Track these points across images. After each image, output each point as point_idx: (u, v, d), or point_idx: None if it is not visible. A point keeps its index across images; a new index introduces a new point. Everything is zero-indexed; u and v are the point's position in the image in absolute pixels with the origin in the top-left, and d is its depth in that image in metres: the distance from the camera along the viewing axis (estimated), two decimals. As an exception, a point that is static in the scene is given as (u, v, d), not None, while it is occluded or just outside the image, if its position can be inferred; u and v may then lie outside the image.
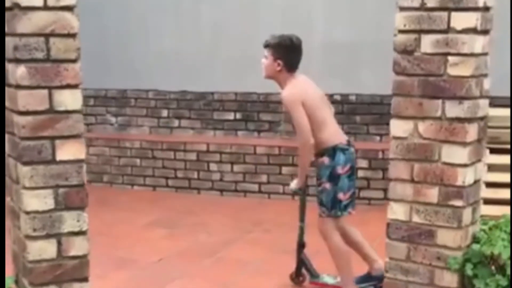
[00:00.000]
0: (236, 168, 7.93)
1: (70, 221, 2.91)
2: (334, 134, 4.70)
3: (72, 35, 2.78)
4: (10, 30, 2.74)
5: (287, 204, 7.44)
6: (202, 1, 8.26)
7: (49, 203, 2.86)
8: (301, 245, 5.06)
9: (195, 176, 8.09)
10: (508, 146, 6.49)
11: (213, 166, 8.01)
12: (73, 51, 2.79)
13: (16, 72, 2.73)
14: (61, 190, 2.87)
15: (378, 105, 7.68)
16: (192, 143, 8.12)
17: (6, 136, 2.98)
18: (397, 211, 3.34)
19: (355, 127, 7.91)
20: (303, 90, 4.68)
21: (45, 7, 2.72)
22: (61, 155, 2.83)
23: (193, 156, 8.08)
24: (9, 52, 2.77)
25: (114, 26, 8.42)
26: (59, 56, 2.77)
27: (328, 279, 5.02)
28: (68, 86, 2.79)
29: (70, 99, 2.80)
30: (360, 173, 7.46)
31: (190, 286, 5.16)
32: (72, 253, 2.95)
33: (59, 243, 2.91)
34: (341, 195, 4.63)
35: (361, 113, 7.87)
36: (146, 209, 7.40)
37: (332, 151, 4.62)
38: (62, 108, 2.80)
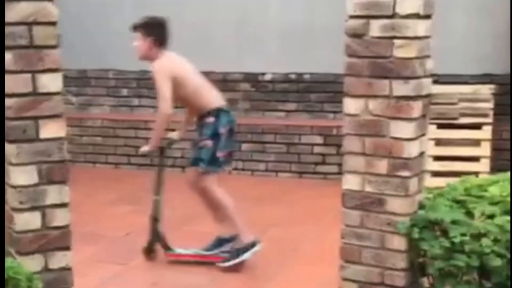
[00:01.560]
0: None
1: (53, 194, 3.15)
2: (216, 97, 5.18)
3: (53, 23, 3.02)
4: (-3, 19, 2.98)
5: (246, 180, 7.77)
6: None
7: (34, 178, 3.10)
8: (155, 219, 5.28)
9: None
10: (454, 122, 6.86)
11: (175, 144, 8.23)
12: (53, 38, 3.04)
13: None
14: (44, 166, 3.11)
15: (332, 84, 8.00)
16: (153, 122, 8.31)
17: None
18: (351, 182, 3.65)
19: (310, 105, 8.24)
20: (173, 63, 5.11)
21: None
22: (44, 133, 3.07)
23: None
24: (-5, 40, 3.01)
25: (74, 5, 8.54)
26: (41, 42, 3.01)
27: (181, 250, 5.33)
28: (50, 70, 3.04)
29: (51, 82, 3.05)
30: (316, 149, 7.81)
31: (158, 258, 5.42)
32: (55, 223, 3.18)
33: (43, 215, 3.15)
34: (219, 153, 5.08)
35: (316, 91, 8.19)
36: (109, 186, 7.62)
37: (217, 112, 5.09)
38: (44, 90, 3.04)
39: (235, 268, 5.14)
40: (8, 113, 3.00)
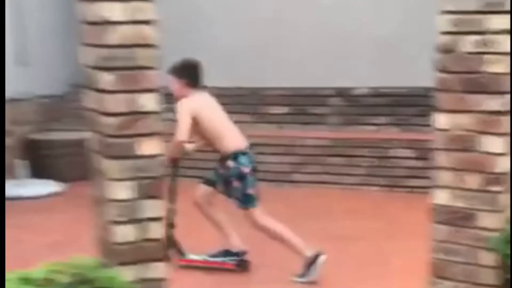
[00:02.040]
0: (286, 159, 8.27)
1: (149, 208, 3.29)
2: (234, 141, 5.46)
3: (152, 46, 3.17)
4: (98, 42, 3.14)
5: (336, 194, 7.79)
6: None
7: (131, 193, 3.25)
8: (170, 226, 5.48)
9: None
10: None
11: (264, 158, 8.34)
12: (152, 59, 3.18)
13: (104, 79, 3.13)
14: (141, 182, 3.25)
15: (424, 97, 7.93)
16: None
17: (91, 134, 3.39)
18: (440, 196, 3.66)
19: (401, 119, 8.22)
20: (199, 104, 5.45)
21: (129, 21, 3.12)
22: (141, 150, 3.22)
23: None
24: (97, 61, 3.17)
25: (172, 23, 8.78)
26: (140, 64, 3.17)
27: (193, 256, 5.66)
28: (148, 90, 3.19)
29: (150, 102, 3.20)
30: (407, 163, 7.78)
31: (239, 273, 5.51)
32: (151, 236, 3.32)
33: (140, 228, 3.30)
34: (250, 190, 5.41)
35: (407, 105, 8.16)
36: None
37: (234, 155, 5.40)
38: (143, 109, 3.19)
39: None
40: (109, 131, 3.17)
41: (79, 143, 7.16)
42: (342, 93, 8.45)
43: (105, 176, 3.26)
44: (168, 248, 5.43)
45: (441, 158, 3.65)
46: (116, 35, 3.12)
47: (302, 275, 5.32)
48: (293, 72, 8.52)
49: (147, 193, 3.27)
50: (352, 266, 5.48)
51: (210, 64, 8.77)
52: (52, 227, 6.70)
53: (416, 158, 7.81)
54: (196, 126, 5.36)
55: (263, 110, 8.78)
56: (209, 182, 5.62)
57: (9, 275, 2.96)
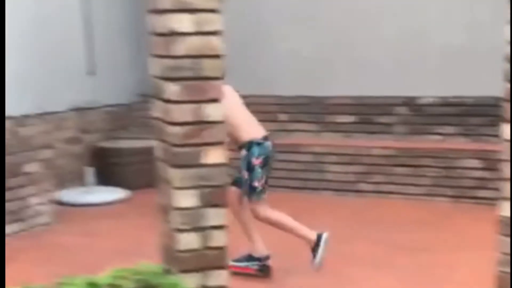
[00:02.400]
0: (351, 168, 8.24)
1: (212, 217, 3.34)
2: (250, 131, 5.47)
3: (218, 56, 3.22)
4: (165, 52, 3.20)
5: (400, 204, 7.74)
6: (323, 4, 8.62)
7: (196, 201, 3.30)
8: None
9: (311, 176, 8.45)
10: None
11: (329, 167, 8.35)
12: (218, 70, 3.23)
13: (171, 89, 3.19)
14: (206, 190, 3.30)
15: (493, 107, 7.81)
16: (308, 145, 8.49)
17: (157, 143, 3.45)
18: (507, 209, 3.59)
19: (468, 129, 8.09)
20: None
21: (196, 33, 3.18)
22: (206, 159, 3.27)
23: (309, 158, 8.45)
24: (165, 72, 3.23)
25: (237, 34, 8.85)
26: (206, 74, 3.22)
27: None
28: (213, 100, 3.24)
29: (215, 111, 3.25)
30: (474, 173, 7.66)
31: (308, 280, 5.52)
32: (214, 244, 3.37)
33: (203, 236, 3.34)
34: (255, 183, 5.41)
35: (476, 114, 8.03)
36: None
37: (248, 145, 5.40)
38: (208, 119, 3.24)
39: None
40: (175, 140, 3.22)
41: (145, 151, 7.31)
42: (408, 102, 8.37)
43: (170, 184, 3.31)
44: None
45: (508, 169, 3.58)
46: (183, 46, 3.18)
47: (313, 259, 5.45)
48: (359, 81, 8.49)
49: (211, 202, 3.31)
50: (418, 277, 5.42)
51: (274, 73, 8.95)
52: (119, 234, 6.82)
53: (484, 169, 7.68)
54: None
55: (328, 119, 8.76)
56: (235, 182, 5.61)
57: (76, 279, 3.04)
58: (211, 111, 3.24)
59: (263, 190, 5.50)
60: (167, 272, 3.29)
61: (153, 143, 3.56)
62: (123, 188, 8.35)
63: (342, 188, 8.28)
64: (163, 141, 3.37)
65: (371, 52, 8.44)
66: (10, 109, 8.00)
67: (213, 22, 3.22)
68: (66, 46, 8.68)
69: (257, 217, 5.57)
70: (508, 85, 3.51)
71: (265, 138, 5.54)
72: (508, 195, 3.56)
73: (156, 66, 3.39)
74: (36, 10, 8.28)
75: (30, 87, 8.19)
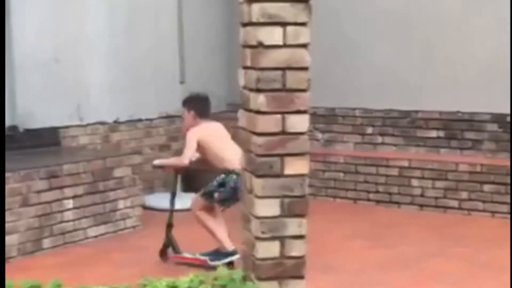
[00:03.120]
0: (437, 184, 8.14)
1: (292, 226, 3.37)
2: (231, 161, 5.98)
3: (305, 68, 3.27)
4: (254, 64, 3.28)
5: (487, 222, 7.59)
6: (414, 19, 8.58)
7: (276, 210, 3.35)
8: (169, 226, 6.35)
9: (396, 190, 8.40)
10: None
11: (414, 182, 8.28)
12: (304, 82, 3.28)
13: (257, 100, 3.26)
14: (286, 200, 3.35)
15: None
16: (394, 159, 8.44)
17: (243, 152, 3.52)
18: None
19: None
20: (204, 132, 6.20)
21: (284, 45, 3.24)
22: (288, 170, 3.32)
23: (395, 172, 8.40)
24: (252, 83, 3.31)
25: (326, 46, 8.89)
26: (292, 86, 3.27)
27: (187, 254, 6.27)
28: (298, 112, 3.29)
29: (299, 123, 3.29)
30: None
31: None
32: (292, 253, 3.40)
33: (282, 245, 3.38)
34: (217, 194, 6.11)
35: None
36: (347, 220, 7.81)
37: (228, 172, 6.04)
38: (292, 130, 3.29)
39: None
40: (259, 150, 3.29)
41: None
42: (498, 119, 8.21)
43: (252, 193, 3.38)
44: (166, 246, 6.34)
45: None
46: (271, 58, 3.24)
47: (212, 258, 6.06)
48: (448, 96, 8.38)
49: (291, 211, 3.36)
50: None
51: (362, 86, 8.94)
52: (202, 239, 6.92)
53: None
54: (200, 148, 6.18)
55: (416, 133, 8.69)
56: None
57: (158, 282, 3.13)
58: (296, 123, 3.29)
59: (217, 201, 6.15)
60: (246, 279, 3.35)
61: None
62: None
63: (427, 204, 8.19)
64: (248, 150, 3.44)
65: (461, 68, 8.32)
66: (103, 115, 8.28)
67: (302, 35, 3.27)
68: (158, 55, 8.90)
69: (192, 210, 6.25)
70: None
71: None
72: None
73: (244, 77, 3.47)
74: (129, 19, 8.53)
75: (123, 94, 8.44)
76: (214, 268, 5.67)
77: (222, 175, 6.11)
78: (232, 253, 6.03)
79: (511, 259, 5.89)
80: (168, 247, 6.35)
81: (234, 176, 5.97)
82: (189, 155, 6.17)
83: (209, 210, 6.24)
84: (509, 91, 7.87)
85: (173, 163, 6.64)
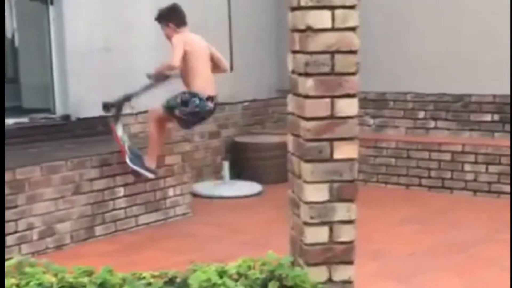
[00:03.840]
0: (491, 169, 8.00)
1: (341, 211, 3.34)
2: (204, 85, 6.44)
3: (353, 52, 3.24)
4: (302, 48, 3.26)
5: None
6: (464, 3, 8.44)
7: (325, 195, 3.32)
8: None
9: (449, 176, 8.28)
10: None
11: (467, 167, 8.15)
12: (353, 65, 3.25)
13: (306, 84, 3.23)
14: (335, 185, 3.32)
15: None
16: (447, 144, 8.32)
17: (291, 137, 3.50)
18: None
19: None
20: (189, 39, 6.41)
21: (333, 29, 3.21)
22: (337, 154, 3.29)
23: (447, 157, 8.27)
24: (300, 67, 3.28)
25: (376, 30, 8.80)
26: (341, 70, 3.24)
27: (124, 138, 6.72)
28: (347, 96, 3.25)
29: (348, 107, 3.26)
30: None
31: (440, 279, 5.42)
32: (341, 239, 3.37)
33: (331, 230, 3.36)
34: (176, 112, 6.46)
35: None
36: (399, 206, 7.72)
37: (196, 95, 6.41)
38: (341, 114, 3.26)
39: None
40: (308, 135, 3.26)
41: (281, 147, 7.38)
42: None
43: (301, 178, 3.35)
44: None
45: None
46: (320, 42, 3.21)
47: (133, 160, 6.50)
48: (503, 79, 8.21)
49: (340, 196, 3.33)
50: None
51: (414, 70, 8.82)
52: (251, 226, 6.95)
53: None
54: (183, 56, 6.28)
55: (469, 117, 8.55)
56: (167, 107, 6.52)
57: (207, 267, 3.14)
58: (345, 107, 3.26)
59: (174, 117, 6.52)
60: (294, 264, 3.33)
61: (287, 138, 3.61)
62: (258, 182, 8.49)
63: (480, 189, 8.05)
64: (297, 135, 3.42)
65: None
66: (154, 104, 8.31)
67: (350, 18, 3.24)
68: (208, 42, 8.89)
69: (149, 117, 6.66)
70: None
71: (211, 99, 6.54)
72: None
73: (293, 62, 3.44)
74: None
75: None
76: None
77: (188, 95, 6.41)
78: (151, 171, 6.57)
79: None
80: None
81: (198, 101, 6.36)
82: (178, 56, 6.23)
83: (162, 121, 6.59)
84: None
85: (164, 67, 6.53)
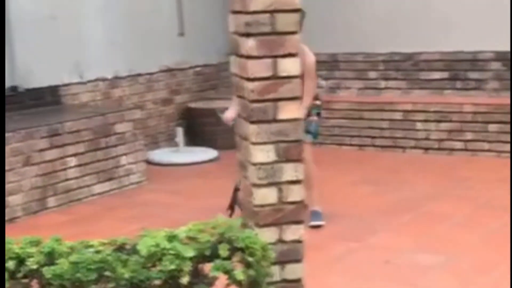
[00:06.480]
0: (441, 126, 8.09)
1: (288, 171, 3.33)
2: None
3: (295, 11, 3.19)
4: (242, 8, 3.21)
5: (492, 162, 7.56)
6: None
7: (271, 156, 3.31)
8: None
9: (400, 135, 8.36)
10: None
11: (419, 125, 8.22)
12: (294, 24, 3.20)
13: (247, 44, 3.20)
14: (281, 145, 3.30)
15: None
16: (398, 103, 8.38)
17: (238, 99, 3.47)
18: None
19: None
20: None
21: (273, -13, 3.16)
22: (282, 114, 3.26)
23: (399, 116, 8.34)
24: (241, 28, 3.25)
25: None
26: (282, 29, 3.20)
27: None
28: (290, 55, 3.22)
29: (291, 66, 3.22)
30: None
31: (392, 238, 5.50)
32: (290, 199, 3.36)
33: (280, 190, 3.35)
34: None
35: None
36: (352, 167, 7.79)
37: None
38: (284, 74, 3.23)
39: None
40: (251, 96, 3.24)
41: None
42: (502, 57, 8.11)
43: (248, 140, 3.34)
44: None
45: None
46: (260, 1, 3.17)
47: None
48: (450, 37, 8.27)
49: (287, 156, 3.32)
50: (503, 237, 5.30)
51: (363, 30, 8.82)
52: (207, 192, 6.94)
53: None
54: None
55: (419, 75, 8.61)
56: None
57: (156, 232, 3.12)
58: (287, 66, 3.23)
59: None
60: (245, 226, 3.33)
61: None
62: (212, 148, 8.47)
63: (432, 146, 8.15)
64: (242, 97, 3.39)
65: (462, 7, 8.20)
66: (103, 71, 8.22)
67: (289, -25, 3.19)
68: (157, 8, 8.80)
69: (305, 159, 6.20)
70: None
71: None
72: None
73: (233, 22, 3.40)
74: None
75: (121, 49, 8.36)
76: None
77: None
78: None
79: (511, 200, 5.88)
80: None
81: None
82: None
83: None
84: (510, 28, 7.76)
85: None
